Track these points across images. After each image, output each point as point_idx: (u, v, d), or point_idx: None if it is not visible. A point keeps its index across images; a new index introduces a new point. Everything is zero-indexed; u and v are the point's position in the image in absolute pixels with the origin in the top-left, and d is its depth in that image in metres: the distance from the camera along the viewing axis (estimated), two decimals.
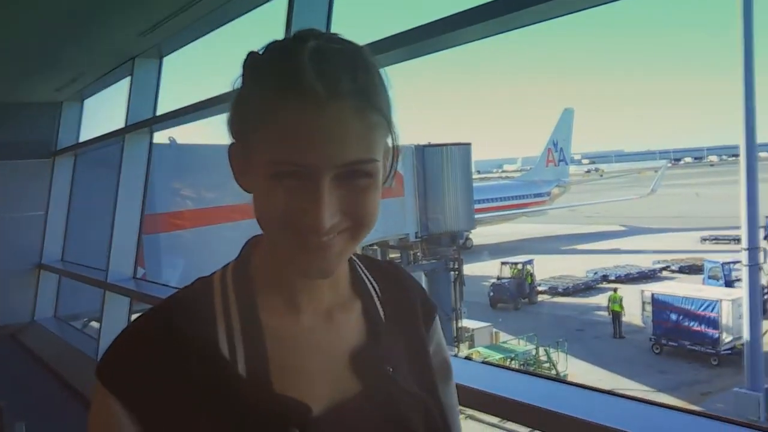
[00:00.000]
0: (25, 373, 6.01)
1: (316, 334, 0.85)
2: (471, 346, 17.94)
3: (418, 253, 19.74)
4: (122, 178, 6.23)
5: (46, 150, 7.53)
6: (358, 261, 0.93)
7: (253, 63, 0.78)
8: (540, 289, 24.94)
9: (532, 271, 24.45)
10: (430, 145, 19.88)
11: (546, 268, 26.17)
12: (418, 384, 0.88)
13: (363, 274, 0.93)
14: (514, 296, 23.69)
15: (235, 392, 0.77)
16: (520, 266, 24.38)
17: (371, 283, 0.93)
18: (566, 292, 24.79)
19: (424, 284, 19.12)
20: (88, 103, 7.43)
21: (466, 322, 19.14)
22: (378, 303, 0.91)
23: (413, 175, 18.96)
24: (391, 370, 0.85)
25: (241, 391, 0.77)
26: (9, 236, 7.42)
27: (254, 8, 4.30)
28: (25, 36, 4.82)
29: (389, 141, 0.79)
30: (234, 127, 0.80)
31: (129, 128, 6.17)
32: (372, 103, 0.74)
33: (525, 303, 23.93)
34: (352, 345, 0.86)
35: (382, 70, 0.78)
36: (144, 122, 5.98)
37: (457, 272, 19.54)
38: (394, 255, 20.09)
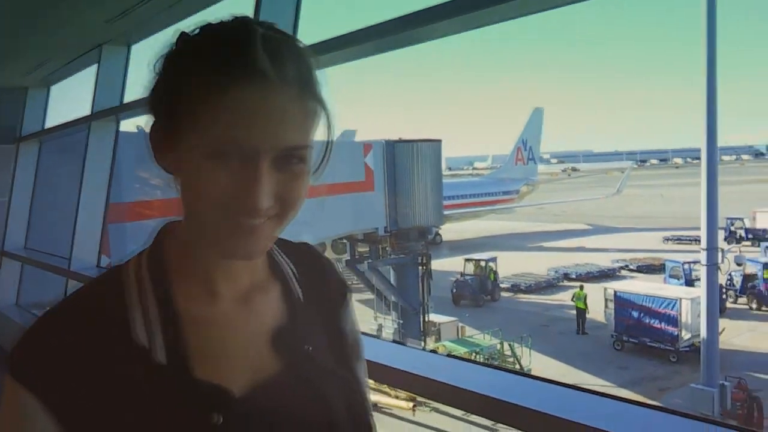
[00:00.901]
0: None
1: (235, 317, 0.85)
2: (437, 340, 18.07)
3: (387, 248, 19.79)
4: (87, 167, 6.11)
5: (10, 135, 7.36)
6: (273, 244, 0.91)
7: (193, 43, 0.78)
8: (503, 286, 25.19)
9: (495, 269, 24.64)
10: (400, 141, 19.93)
11: (511, 265, 26.45)
12: (336, 362, 0.90)
13: (280, 256, 0.93)
14: (477, 293, 23.87)
15: (155, 380, 0.76)
16: (483, 263, 24.59)
17: (288, 265, 0.94)
18: (528, 290, 25.08)
19: (391, 278, 19.29)
20: (55, 89, 7.28)
21: (432, 317, 19.27)
22: (296, 284, 0.92)
23: (383, 170, 18.99)
24: (310, 349, 0.87)
25: (161, 379, 0.77)
26: None
27: None
28: None
29: (324, 131, 0.81)
30: (159, 106, 0.79)
31: (94, 116, 6.06)
32: (312, 91, 0.77)
33: (488, 300, 24.15)
34: (271, 326, 0.87)
35: (317, 65, 0.81)
36: (110, 110, 5.88)
37: (425, 267, 19.65)
38: (362, 249, 20.10)
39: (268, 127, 0.73)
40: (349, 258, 20.27)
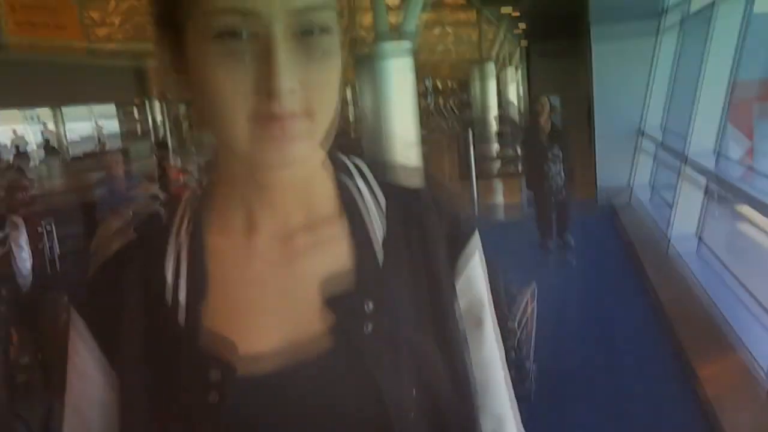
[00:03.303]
0: None
1: (271, 258, 0.68)
2: None
3: None
4: (711, 46, 5.85)
5: (653, 10, 7.70)
6: (364, 167, 0.73)
7: None
8: None
9: None
10: None
11: None
12: (424, 328, 0.68)
13: (362, 183, 0.72)
14: None
15: (169, 319, 0.66)
16: None
17: (374, 196, 0.71)
18: None
19: None
20: None
21: None
22: (378, 221, 0.70)
23: None
24: (370, 306, 0.65)
25: (174, 322, 0.66)
26: (610, 100, 7.92)
27: None
28: None
29: None
30: None
31: None
32: None
33: None
34: (323, 274, 0.67)
35: None
36: None
37: None
38: None
39: None
40: None
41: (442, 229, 0.72)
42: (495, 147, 14.31)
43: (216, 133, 0.63)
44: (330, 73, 0.61)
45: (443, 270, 0.71)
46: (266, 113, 0.58)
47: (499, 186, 10.85)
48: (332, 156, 0.71)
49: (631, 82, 7.83)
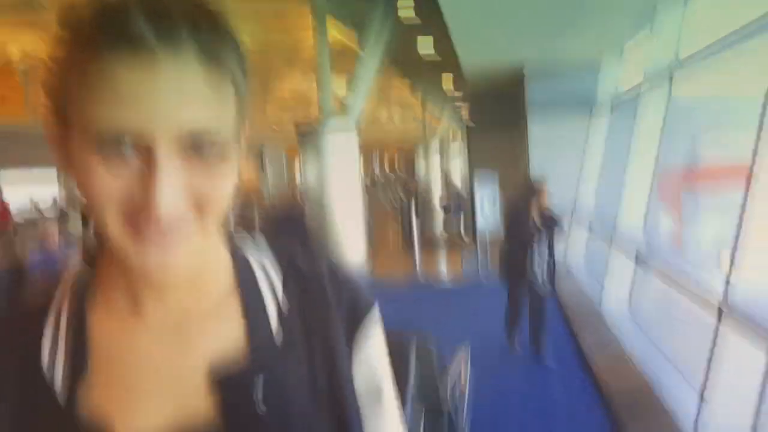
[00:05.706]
0: None
1: (160, 343, 0.68)
2: None
3: None
4: (635, 133, 6.20)
5: (586, 99, 8.21)
6: (262, 244, 0.76)
7: (70, 4, 0.62)
8: None
9: None
10: None
11: None
12: (320, 410, 0.69)
13: (256, 263, 0.74)
14: None
15: (44, 398, 0.66)
16: None
17: (267, 275, 0.73)
18: None
19: None
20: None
21: None
22: (272, 301, 0.72)
23: None
24: (261, 384, 0.66)
25: (49, 399, 0.65)
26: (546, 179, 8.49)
27: None
28: None
29: (235, 108, 0.61)
30: (47, 86, 0.63)
31: (645, 79, 6.10)
32: (218, 58, 0.59)
33: None
34: (213, 355, 0.67)
35: (229, 25, 0.62)
36: (660, 71, 5.76)
37: None
38: None
39: (158, 105, 0.56)
40: None
41: (339, 308, 0.72)
42: (438, 218, 14.64)
43: (98, 227, 0.61)
44: (220, 184, 0.60)
45: (339, 349, 0.71)
46: (151, 234, 0.58)
47: (442, 255, 11.02)
48: (228, 232, 0.71)
49: (566, 162, 8.24)
